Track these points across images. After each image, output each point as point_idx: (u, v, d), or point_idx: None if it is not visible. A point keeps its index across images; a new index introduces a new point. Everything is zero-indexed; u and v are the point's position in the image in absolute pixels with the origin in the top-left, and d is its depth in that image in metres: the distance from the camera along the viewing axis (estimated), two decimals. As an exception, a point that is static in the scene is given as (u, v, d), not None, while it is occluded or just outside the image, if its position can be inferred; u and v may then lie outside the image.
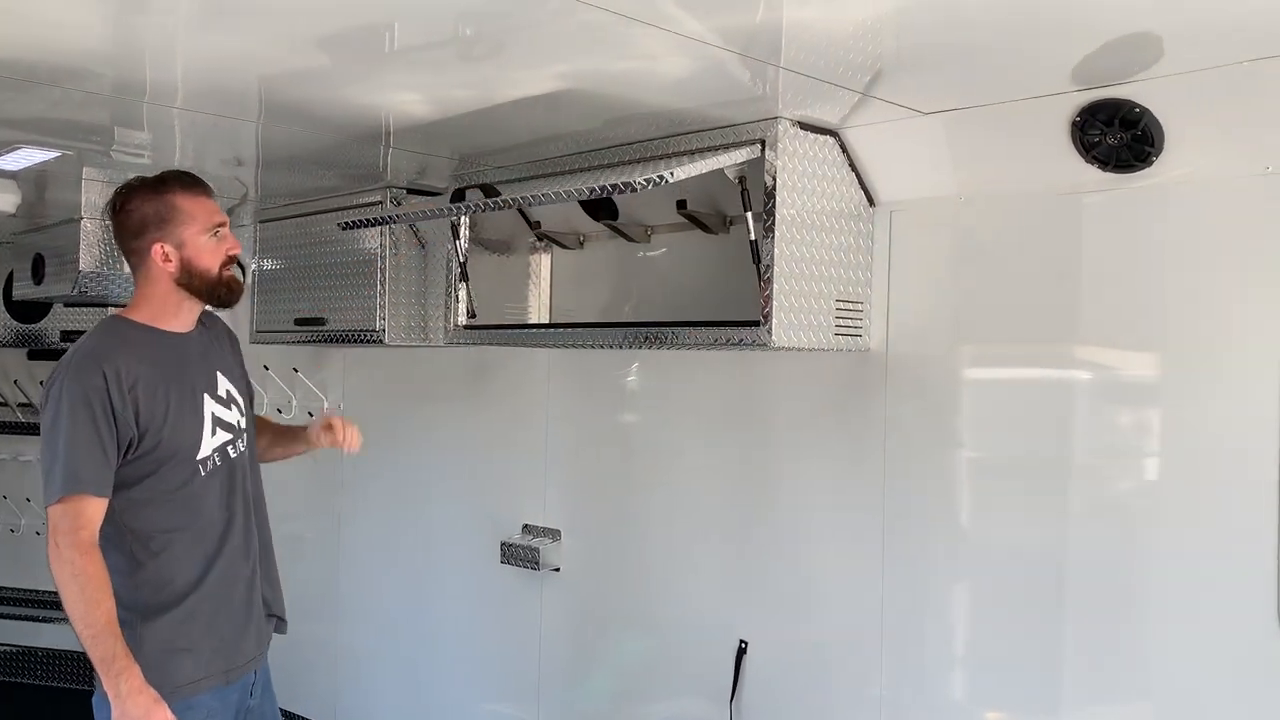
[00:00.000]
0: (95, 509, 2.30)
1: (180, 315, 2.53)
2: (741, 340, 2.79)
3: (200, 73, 2.61)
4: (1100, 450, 2.66)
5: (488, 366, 4.21)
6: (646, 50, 2.31)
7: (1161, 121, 2.42)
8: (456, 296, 3.68)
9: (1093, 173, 2.58)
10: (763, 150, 2.77)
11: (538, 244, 3.99)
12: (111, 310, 5.30)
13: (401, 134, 3.26)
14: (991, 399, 2.86)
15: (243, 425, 2.64)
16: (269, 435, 2.93)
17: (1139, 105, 2.42)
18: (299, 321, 4.30)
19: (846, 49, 2.29)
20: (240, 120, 3.07)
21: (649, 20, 2.08)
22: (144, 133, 3.43)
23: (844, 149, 2.92)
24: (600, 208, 3.57)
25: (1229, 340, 2.46)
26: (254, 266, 4.66)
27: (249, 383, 2.81)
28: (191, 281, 2.48)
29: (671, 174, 2.59)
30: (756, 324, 2.78)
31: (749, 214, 2.78)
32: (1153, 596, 2.56)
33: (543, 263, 4.01)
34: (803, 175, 2.81)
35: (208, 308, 2.64)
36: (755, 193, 2.80)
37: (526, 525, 4.00)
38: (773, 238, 2.74)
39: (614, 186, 2.64)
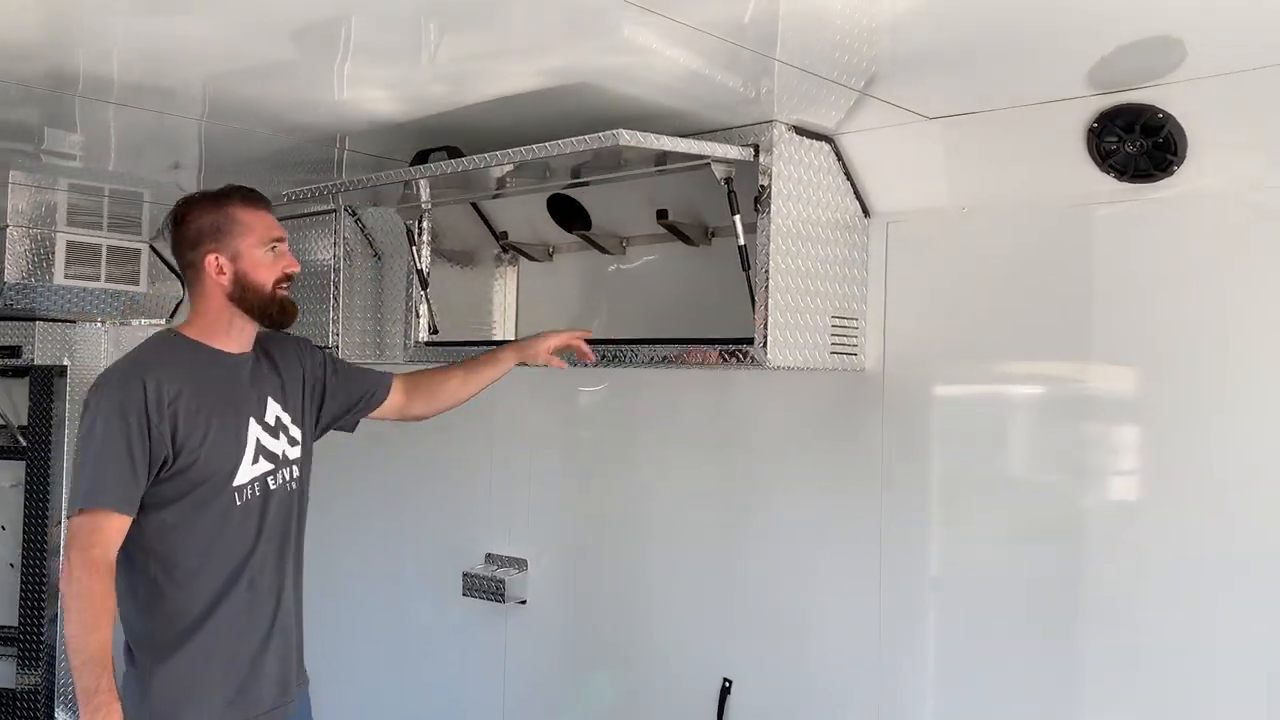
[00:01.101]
0: (114, 526, 2.17)
1: (232, 334, 2.39)
2: (735, 358, 2.60)
3: (138, 62, 2.37)
4: (1116, 476, 2.51)
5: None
6: (640, 42, 2.11)
7: (1185, 128, 2.28)
8: (417, 311, 3.44)
9: (1107, 182, 2.43)
10: (756, 155, 2.59)
11: (503, 255, 3.77)
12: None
13: (361, 136, 3.03)
14: (997, 423, 2.69)
15: (291, 456, 2.46)
16: (458, 376, 2.79)
17: (1161, 111, 2.27)
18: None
19: (847, 46, 2.12)
20: (181, 118, 2.82)
21: (644, 4, 1.88)
22: (76, 134, 3.17)
23: (839, 156, 2.75)
24: (573, 217, 3.37)
25: (1253, 360, 2.32)
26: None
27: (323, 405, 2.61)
28: (244, 296, 2.35)
29: (618, 135, 2.29)
30: (750, 342, 2.59)
31: (736, 217, 2.59)
32: (1173, 632, 2.41)
33: (508, 275, 3.79)
34: (797, 183, 2.63)
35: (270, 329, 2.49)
36: (743, 196, 2.62)
37: (490, 554, 3.76)
38: (768, 249, 2.56)
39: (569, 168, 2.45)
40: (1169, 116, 2.27)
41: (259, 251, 2.36)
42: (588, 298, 3.58)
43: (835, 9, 1.95)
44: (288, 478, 2.44)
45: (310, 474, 2.54)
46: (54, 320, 5.07)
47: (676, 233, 3.14)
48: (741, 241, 2.60)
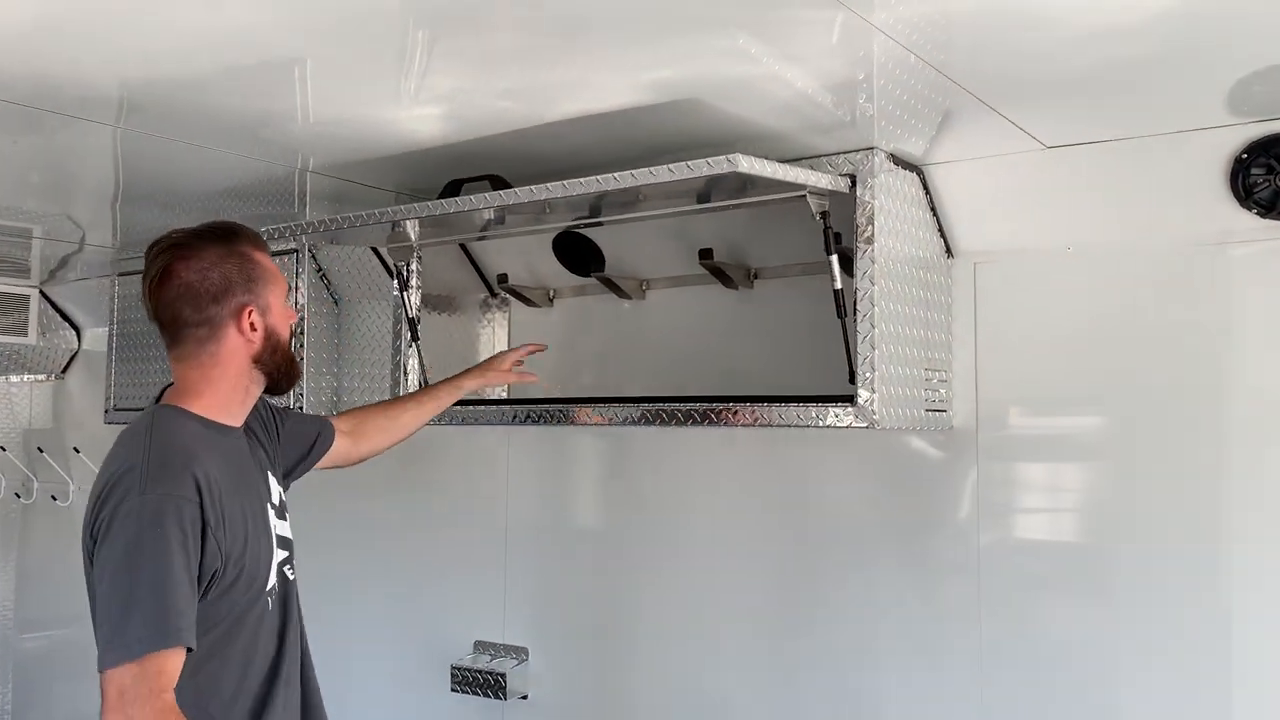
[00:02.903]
0: (180, 664, 1.70)
1: (245, 404, 2.01)
2: (833, 420, 2.24)
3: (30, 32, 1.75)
4: (1268, 550, 2.22)
5: (426, 448, 3.48)
6: (779, 47, 1.77)
7: (1352, 160, 2.07)
8: (405, 366, 2.97)
9: (1247, 219, 2.20)
10: (852, 186, 2.27)
11: (491, 300, 3.34)
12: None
13: (341, 165, 2.56)
14: (1114, 491, 2.38)
15: (291, 535, 2.09)
16: (410, 408, 2.55)
17: (1328, 141, 2.05)
18: (179, 397, 3.44)
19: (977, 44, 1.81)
20: (91, 122, 2.23)
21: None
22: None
23: (926, 188, 2.45)
24: (589, 259, 2.98)
25: None
26: (114, 329, 3.78)
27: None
28: (273, 357, 1.97)
29: (735, 160, 1.94)
30: (849, 400, 2.24)
31: (833, 257, 2.26)
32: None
33: (497, 323, 3.35)
34: (893, 217, 2.32)
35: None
36: (811, 231, 2.29)
37: (479, 642, 3.29)
38: (871, 293, 2.23)
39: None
40: (1335, 147, 2.06)
41: (283, 302, 2.01)
42: (596, 347, 3.18)
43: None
44: (294, 562, 2.10)
45: None
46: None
47: (719, 274, 2.79)
48: (839, 285, 2.26)
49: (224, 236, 1.95)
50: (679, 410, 2.42)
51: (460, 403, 2.84)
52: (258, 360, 1.95)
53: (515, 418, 2.74)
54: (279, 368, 1.99)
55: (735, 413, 2.36)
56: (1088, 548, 2.41)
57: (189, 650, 1.71)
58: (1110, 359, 2.39)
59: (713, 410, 2.38)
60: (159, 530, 1.70)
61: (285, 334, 2.00)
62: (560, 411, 2.64)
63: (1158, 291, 2.35)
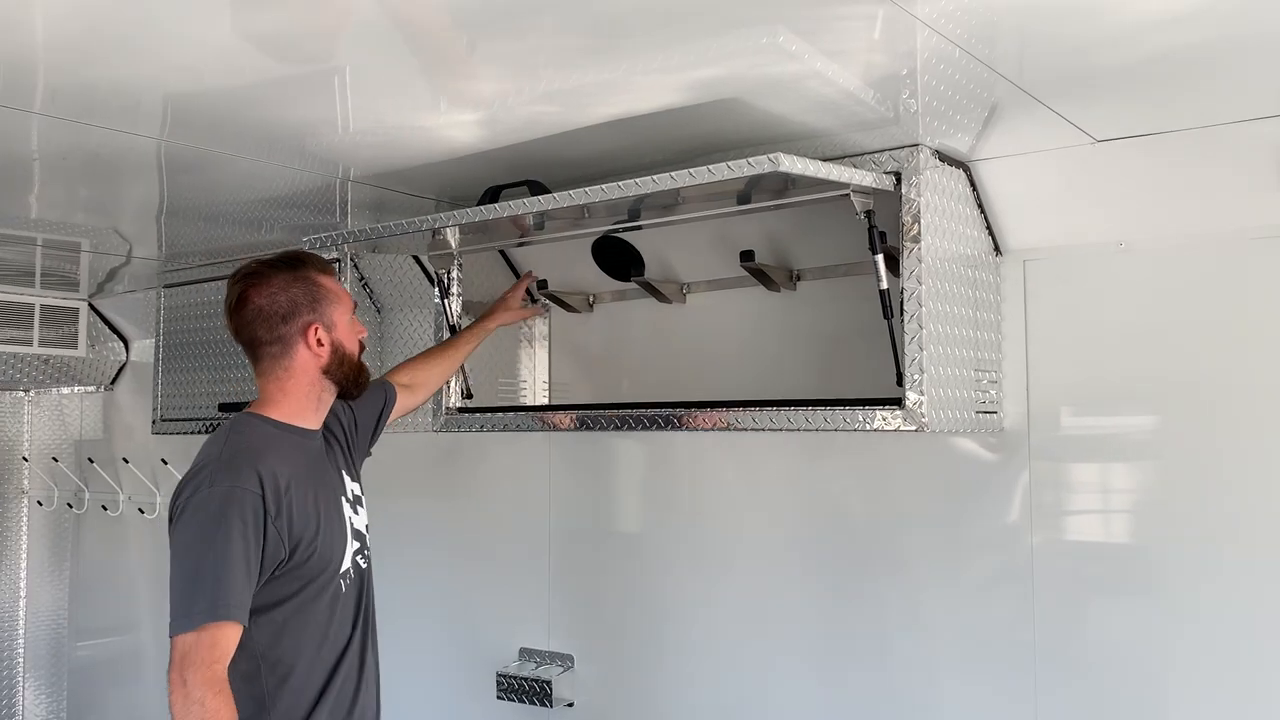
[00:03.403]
0: (234, 638, 1.94)
1: (320, 410, 2.23)
2: (881, 424, 2.20)
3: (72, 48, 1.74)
4: None
5: (465, 454, 3.49)
6: (821, 44, 1.74)
7: None
8: (447, 373, 2.97)
9: (1305, 210, 2.13)
10: (898, 184, 2.23)
11: (530, 306, 3.33)
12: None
13: (387, 175, 2.57)
14: (1178, 495, 2.31)
15: (367, 530, 2.32)
16: (448, 356, 2.79)
17: (1392, 127, 1.99)
18: (225, 408, 3.47)
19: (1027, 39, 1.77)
20: (134, 135, 2.24)
21: None
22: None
23: (973, 185, 2.40)
24: (629, 263, 2.96)
25: None
26: (160, 340, 3.82)
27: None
28: (340, 368, 2.20)
29: (777, 160, 1.94)
30: (898, 402, 2.20)
31: (879, 257, 2.22)
32: None
33: (535, 329, 3.34)
34: (940, 214, 2.28)
35: None
36: (850, 229, 2.26)
37: (525, 649, 3.27)
38: (919, 293, 2.19)
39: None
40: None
41: (348, 319, 2.23)
42: (637, 352, 3.16)
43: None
44: (369, 552, 2.31)
45: None
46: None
47: (761, 276, 2.76)
48: (884, 285, 2.22)
49: (291, 264, 2.19)
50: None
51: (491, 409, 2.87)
52: (327, 371, 2.18)
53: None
54: (348, 377, 2.22)
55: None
56: (1143, 550, 2.35)
57: (244, 625, 1.93)
58: (1164, 357, 2.33)
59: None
60: (223, 517, 1.93)
61: (352, 347, 2.22)
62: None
63: (1212, 287, 2.28)
